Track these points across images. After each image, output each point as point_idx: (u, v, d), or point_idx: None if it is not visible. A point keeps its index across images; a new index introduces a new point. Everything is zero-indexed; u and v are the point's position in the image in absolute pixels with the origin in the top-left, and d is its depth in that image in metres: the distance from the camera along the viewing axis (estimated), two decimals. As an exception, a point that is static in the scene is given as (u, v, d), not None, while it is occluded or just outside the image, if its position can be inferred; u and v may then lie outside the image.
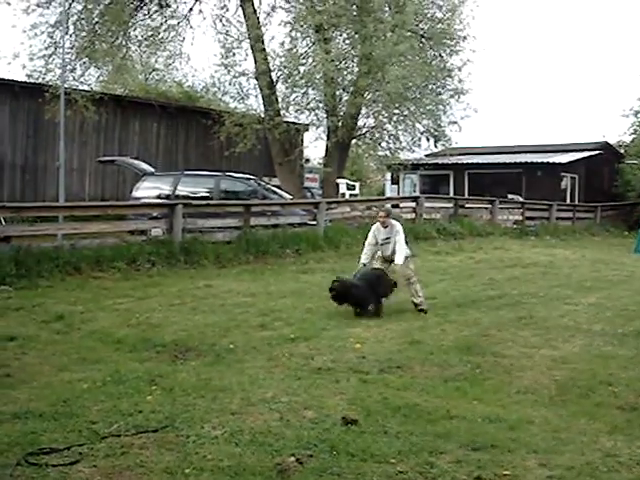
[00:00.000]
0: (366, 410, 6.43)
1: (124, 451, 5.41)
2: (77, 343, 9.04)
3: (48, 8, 26.08)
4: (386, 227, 11.86)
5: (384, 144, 28.82)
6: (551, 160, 33.55)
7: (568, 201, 33.96)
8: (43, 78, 25.98)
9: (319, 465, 5.23)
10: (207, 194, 20.93)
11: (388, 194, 36.42)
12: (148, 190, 21.08)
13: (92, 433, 5.73)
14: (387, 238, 11.79)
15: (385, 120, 27.93)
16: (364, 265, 11.93)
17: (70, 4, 26.10)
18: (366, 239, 12.10)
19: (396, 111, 27.36)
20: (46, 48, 26.09)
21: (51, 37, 26.08)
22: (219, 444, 5.58)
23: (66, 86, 23.17)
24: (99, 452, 5.38)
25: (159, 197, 20.55)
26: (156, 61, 31.89)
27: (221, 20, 27.82)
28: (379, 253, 11.97)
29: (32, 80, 26.33)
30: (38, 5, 25.88)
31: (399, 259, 11.56)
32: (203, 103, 35.15)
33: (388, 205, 21.37)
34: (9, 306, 11.07)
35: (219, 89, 28.31)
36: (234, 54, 26.16)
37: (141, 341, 9.11)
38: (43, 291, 12.43)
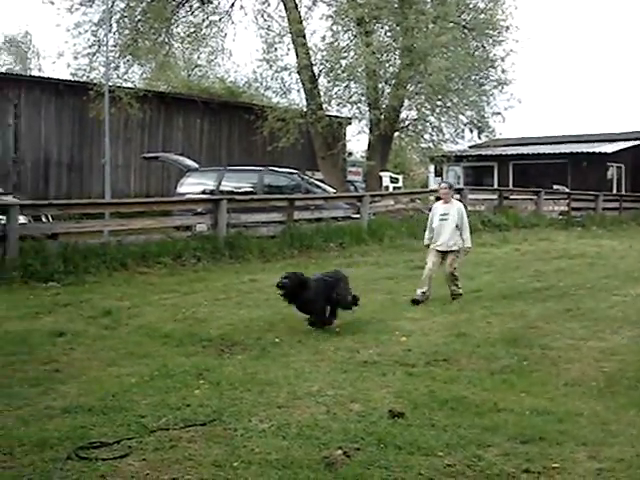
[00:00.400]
0: (413, 403, 6.40)
1: (173, 445, 5.45)
2: (125, 338, 9.12)
3: (91, 7, 26.55)
4: (446, 203, 11.78)
5: (427, 136, 28.82)
6: (597, 150, 33.18)
7: (614, 191, 33.54)
8: (87, 76, 26.37)
9: (366, 458, 5.22)
10: (251, 189, 21.05)
11: (432, 186, 36.23)
12: (192, 186, 21.28)
13: (141, 427, 5.78)
14: (445, 214, 11.60)
15: (428, 112, 27.87)
16: (427, 246, 11.89)
17: (113, 2, 26.42)
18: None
19: (439, 103, 27.29)
20: (90, 46, 26.49)
21: (95, 35, 26.47)
22: (266, 437, 5.60)
23: (110, 84, 23.46)
24: (148, 446, 5.42)
25: (203, 192, 20.71)
26: (198, 57, 32.08)
27: (262, 15, 28.03)
28: (434, 242, 11.66)
29: (76, 78, 26.76)
30: (81, 4, 26.33)
31: (468, 242, 11.63)
32: (246, 98, 35.30)
33: None
34: (57, 302, 11.22)
35: (261, 84, 28.46)
36: (276, 49, 26.32)
37: (188, 336, 9.16)
38: (90, 287, 12.58)
